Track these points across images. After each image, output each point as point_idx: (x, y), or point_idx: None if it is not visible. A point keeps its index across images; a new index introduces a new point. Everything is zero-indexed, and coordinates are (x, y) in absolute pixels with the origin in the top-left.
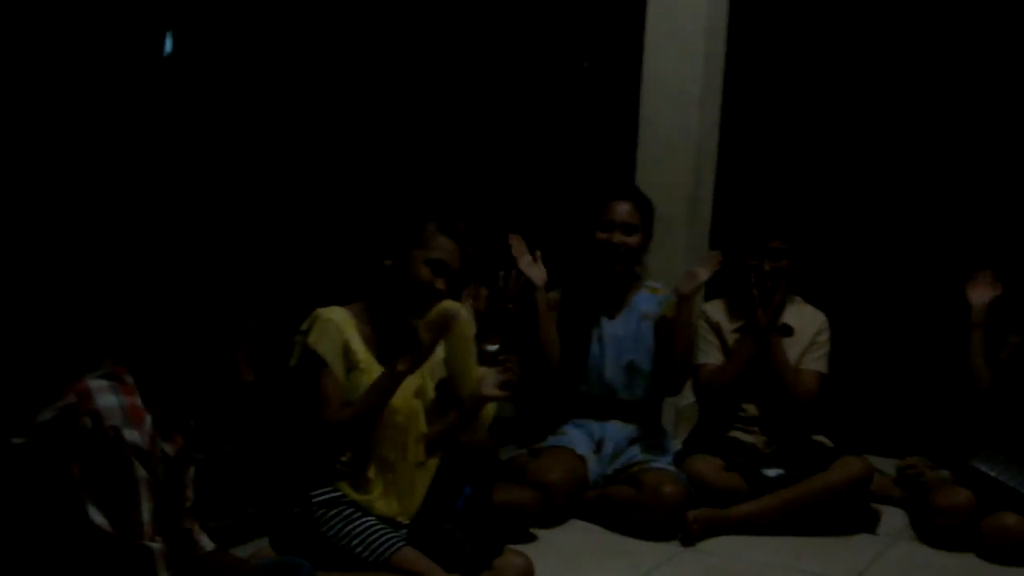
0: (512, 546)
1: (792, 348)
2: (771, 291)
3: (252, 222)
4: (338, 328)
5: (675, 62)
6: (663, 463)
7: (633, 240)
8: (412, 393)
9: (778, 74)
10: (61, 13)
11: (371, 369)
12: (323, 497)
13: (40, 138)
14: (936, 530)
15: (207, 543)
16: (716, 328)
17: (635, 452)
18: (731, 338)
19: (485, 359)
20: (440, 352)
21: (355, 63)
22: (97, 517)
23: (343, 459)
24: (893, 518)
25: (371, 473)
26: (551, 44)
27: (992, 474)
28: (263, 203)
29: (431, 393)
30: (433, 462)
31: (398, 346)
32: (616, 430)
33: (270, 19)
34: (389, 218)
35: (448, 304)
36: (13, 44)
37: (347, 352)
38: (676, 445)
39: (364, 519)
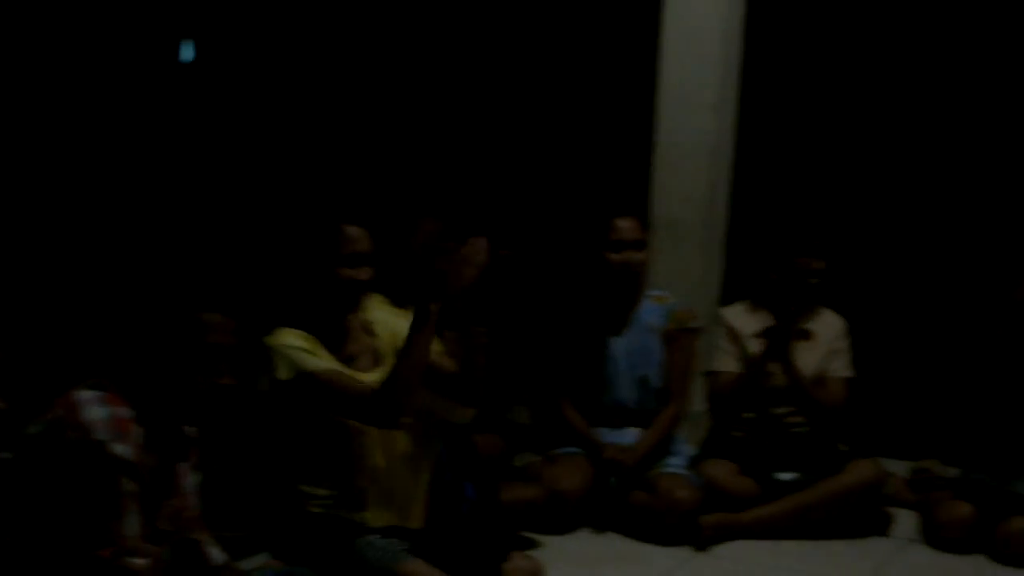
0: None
1: (811, 353)
2: (796, 305)
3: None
4: (299, 343)
5: (691, 67)
6: (677, 467)
7: (644, 255)
8: None
9: (795, 78)
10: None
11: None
12: (317, 522)
13: (50, 142)
14: (943, 541)
15: (218, 556)
16: (734, 334)
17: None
18: (750, 343)
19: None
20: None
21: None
22: (82, 531)
23: (323, 492)
24: (907, 521)
25: (362, 485)
26: (566, 48)
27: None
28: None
29: None
30: (427, 464)
31: (344, 343)
32: (631, 437)
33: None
34: (302, 234)
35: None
36: (37, 49)
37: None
38: (691, 449)
39: (365, 536)
